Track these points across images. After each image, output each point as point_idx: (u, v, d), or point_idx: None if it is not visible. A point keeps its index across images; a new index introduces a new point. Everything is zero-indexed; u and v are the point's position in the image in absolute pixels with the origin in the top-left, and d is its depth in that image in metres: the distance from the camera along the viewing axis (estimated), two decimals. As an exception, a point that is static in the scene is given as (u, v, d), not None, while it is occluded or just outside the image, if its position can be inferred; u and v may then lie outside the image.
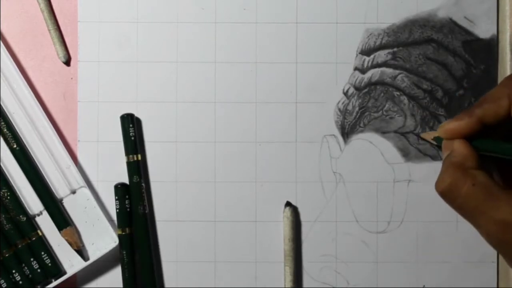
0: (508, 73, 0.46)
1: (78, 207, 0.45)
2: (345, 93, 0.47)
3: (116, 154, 0.46)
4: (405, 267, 0.46)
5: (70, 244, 0.44)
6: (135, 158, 0.45)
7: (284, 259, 0.46)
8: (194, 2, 0.47)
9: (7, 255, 0.44)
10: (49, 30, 0.46)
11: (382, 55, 0.47)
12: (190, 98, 0.47)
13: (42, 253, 0.44)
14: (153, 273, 0.45)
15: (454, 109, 0.46)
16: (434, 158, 0.46)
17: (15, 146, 0.44)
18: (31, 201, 0.45)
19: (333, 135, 0.47)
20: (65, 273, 0.45)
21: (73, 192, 0.45)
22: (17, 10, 0.47)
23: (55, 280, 0.44)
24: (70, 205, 0.45)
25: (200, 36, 0.47)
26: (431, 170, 0.46)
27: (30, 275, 0.44)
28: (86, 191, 0.45)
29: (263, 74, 0.47)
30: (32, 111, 0.45)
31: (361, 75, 0.47)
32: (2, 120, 0.44)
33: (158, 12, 0.47)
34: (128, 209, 0.45)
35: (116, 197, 0.45)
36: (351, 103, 0.47)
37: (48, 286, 0.44)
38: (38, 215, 0.45)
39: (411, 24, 0.47)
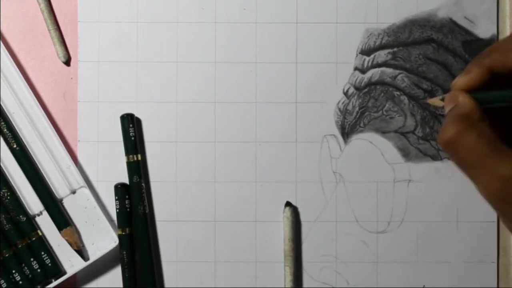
0: (508, 73, 0.46)
1: (78, 207, 0.45)
2: (345, 93, 0.47)
3: (116, 154, 0.46)
4: (405, 267, 0.46)
5: (70, 244, 0.44)
6: (135, 158, 0.45)
7: (284, 259, 0.46)
8: (194, 2, 0.47)
9: (7, 255, 0.44)
10: (49, 30, 0.46)
11: (382, 55, 0.47)
12: (190, 98, 0.47)
13: (42, 253, 0.44)
14: (153, 273, 0.45)
15: (454, 109, 0.46)
16: (434, 158, 0.46)
17: (15, 146, 0.44)
18: (31, 201, 0.45)
19: (333, 135, 0.47)
20: (65, 273, 0.45)
21: (73, 192, 0.45)
22: (17, 10, 0.47)
23: (55, 280, 0.44)
24: (70, 205, 0.45)
25: (200, 36, 0.47)
26: (431, 170, 0.46)
27: (30, 275, 0.44)
28: (86, 191, 0.45)
29: (263, 74, 0.47)
30: (32, 111, 0.45)
31: (361, 75, 0.47)
32: (2, 120, 0.44)
33: (158, 12, 0.47)
34: (128, 209, 0.45)
35: (116, 197, 0.45)
36: (351, 103, 0.47)
37: (48, 286, 0.44)
38: (38, 215, 0.45)
39: (411, 24, 0.47)
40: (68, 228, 0.44)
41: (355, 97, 0.47)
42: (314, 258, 0.46)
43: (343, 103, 0.47)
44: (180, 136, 0.47)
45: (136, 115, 0.46)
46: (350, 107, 0.47)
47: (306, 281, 0.46)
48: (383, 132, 0.47)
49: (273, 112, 0.47)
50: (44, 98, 0.47)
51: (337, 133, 0.47)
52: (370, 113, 0.47)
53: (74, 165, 0.45)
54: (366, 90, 0.47)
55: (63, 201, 0.45)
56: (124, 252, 0.45)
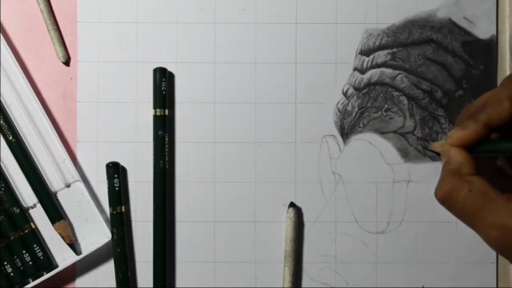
0: (508, 73, 0.46)
1: (72, 201, 0.45)
2: (345, 94, 0.47)
3: (116, 154, 0.46)
4: (404, 267, 0.46)
5: (63, 237, 0.44)
6: (163, 113, 0.45)
7: (284, 259, 0.46)
8: (193, 2, 0.47)
9: (-1, 247, 0.44)
10: (48, 30, 0.46)
11: (381, 56, 0.47)
12: (189, 98, 0.47)
13: (35, 245, 0.44)
14: (165, 234, 0.45)
15: (453, 110, 0.46)
16: (433, 158, 0.46)
17: (11, 138, 0.44)
18: (25, 194, 0.45)
19: (333, 135, 0.47)
20: (56, 266, 0.45)
21: (68, 186, 0.45)
22: (17, 10, 0.47)
23: (47, 273, 0.44)
24: (64, 199, 0.45)
25: (200, 37, 0.47)
26: (431, 170, 0.46)
27: (22, 268, 0.44)
28: (81, 185, 0.45)
29: (262, 75, 0.47)
30: (29, 104, 0.45)
31: (360, 76, 0.47)
32: (-1, 112, 0.44)
33: (158, 12, 0.47)
34: (117, 189, 0.45)
35: (107, 176, 0.45)
36: (350, 104, 0.47)
37: (40, 278, 0.44)
38: (32, 207, 0.45)
39: (411, 25, 0.47)
40: (61, 221, 0.44)
41: (355, 97, 0.47)
42: (313, 259, 0.46)
43: (342, 103, 0.47)
44: (180, 136, 0.47)
45: (136, 115, 0.46)
46: (349, 108, 0.47)
47: (305, 281, 0.46)
48: (382, 133, 0.47)
49: (272, 112, 0.47)
50: (44, 98, 0.47)
51: (337, 133, 0.47)
52: (369, 114, 0.47)
53: (69, 159, 0.45)
54: (365, 90, 0.47)
55: (57, 195, 0.45)
56: (115, 231, 0.45)
